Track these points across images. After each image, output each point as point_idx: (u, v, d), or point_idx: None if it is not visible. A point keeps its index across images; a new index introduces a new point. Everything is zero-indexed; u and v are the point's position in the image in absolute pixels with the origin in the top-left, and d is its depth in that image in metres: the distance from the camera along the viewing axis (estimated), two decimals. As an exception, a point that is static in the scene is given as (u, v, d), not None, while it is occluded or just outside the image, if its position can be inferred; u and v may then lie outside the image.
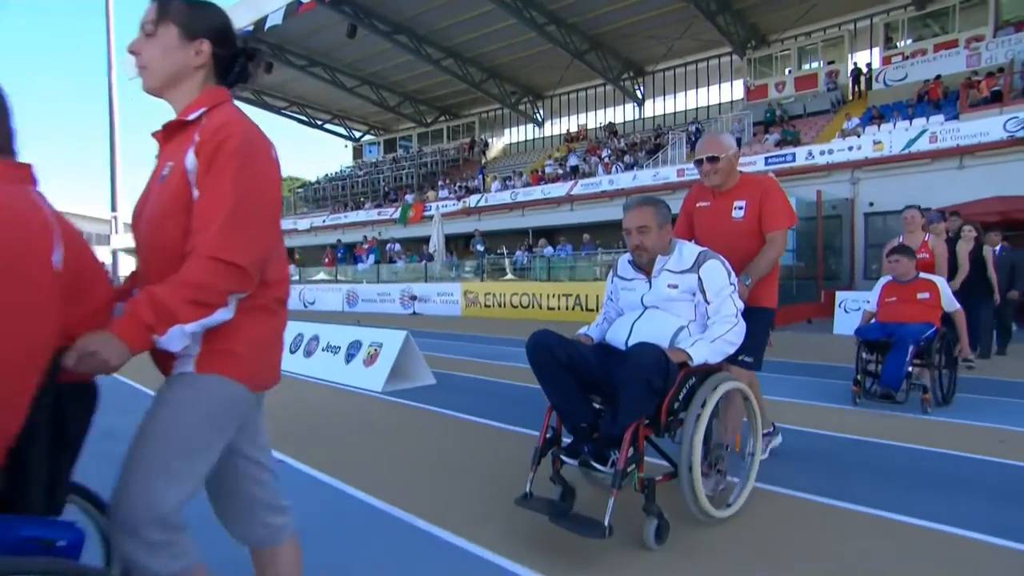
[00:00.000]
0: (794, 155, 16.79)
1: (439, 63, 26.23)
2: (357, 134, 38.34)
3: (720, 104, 25.26)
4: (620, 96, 28.36)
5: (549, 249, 16.59)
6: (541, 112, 31.82)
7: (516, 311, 14.61)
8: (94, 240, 53.35)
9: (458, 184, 26.74)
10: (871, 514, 2.61)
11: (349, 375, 5.89)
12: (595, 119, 30.03)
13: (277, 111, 34.25)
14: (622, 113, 29.31)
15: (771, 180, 3.01)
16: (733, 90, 25.21)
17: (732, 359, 2.72)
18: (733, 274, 2.53)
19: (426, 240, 22.11)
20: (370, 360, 5.80)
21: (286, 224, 30.22)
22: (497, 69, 28.05)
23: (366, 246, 20.70)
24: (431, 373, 5.89)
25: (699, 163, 2.97)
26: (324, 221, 28.12)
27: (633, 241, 2.53)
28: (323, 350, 6.42)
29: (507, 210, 21.82)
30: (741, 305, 2.51)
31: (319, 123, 36.27)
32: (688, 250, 2.54)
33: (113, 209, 33.62)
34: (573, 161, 23.31)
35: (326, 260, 22.35)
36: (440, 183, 28.01)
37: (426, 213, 23.75)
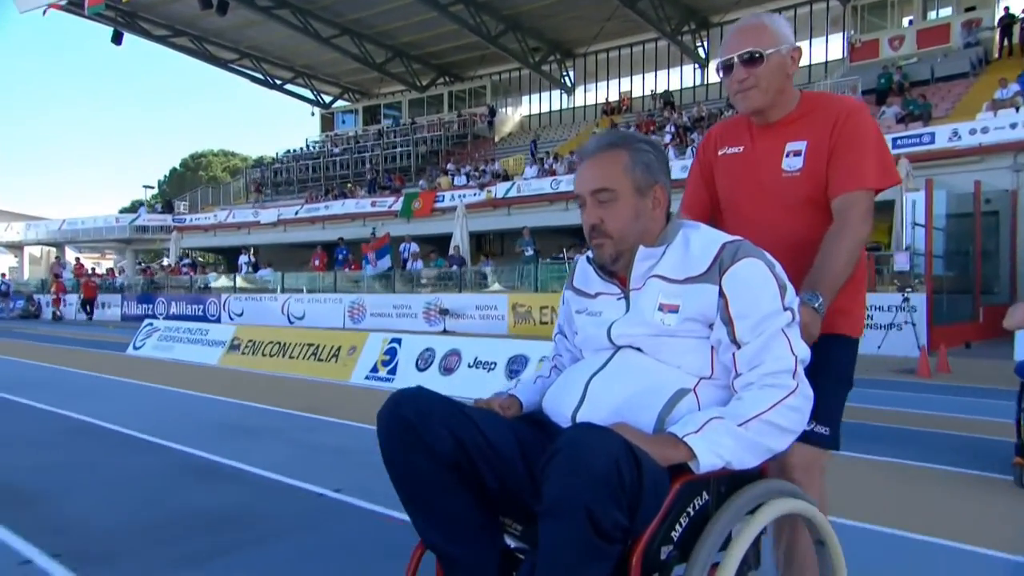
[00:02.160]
0: (932, 135, 16.26)
1: (446, 8, 25.49)
2: (327, 99, 37.36)
3: (811, 66, 24.79)
4: (676, 55, 27.84)
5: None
6: (571, 75, 31.17)
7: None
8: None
9: (472, 167, 25.94)
10: None
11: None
12: (642, 84, 29.49)
13: (223, 64, 33.19)
14: (678, 77, 28.78)
15: (854, 103, 2.05)
16: (829, 47, 24.79)
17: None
18: (790, 288, 1.66)
19: (436, 239, 21.32)
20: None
21: (243, 215, 29.20)
22: (519, 19, 27.34)
23: (374, 241, 19.84)
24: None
25: (726, 69, 2.00)
26: (297, 213, 27.12)
27: (587, 219, 1.69)
28: (469, 366, 6.92)
29: (547, 202, 21.05)
30: (806, 351, 1.64)
31: (278, 82, 35.26)
32: (700, 239, 1.68)
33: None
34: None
35: (316, 263, 21.41)
36: (448, 166, 27.18)
37: (437, 204, 22.94)
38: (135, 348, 10.71)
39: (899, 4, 21.76)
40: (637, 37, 28.29)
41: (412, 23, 28.11)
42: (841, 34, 23.15)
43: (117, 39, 27.95)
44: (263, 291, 21.07)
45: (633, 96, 29.24)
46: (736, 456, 1.51)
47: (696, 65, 27.78)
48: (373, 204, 25.30)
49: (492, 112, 31.38)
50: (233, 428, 5.32)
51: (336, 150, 32.94)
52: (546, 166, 22.79)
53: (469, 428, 1.57)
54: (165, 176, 55.77)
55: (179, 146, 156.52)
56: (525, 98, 32.71)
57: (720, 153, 2.17)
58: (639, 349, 1.66)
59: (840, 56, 23.43)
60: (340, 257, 21.24)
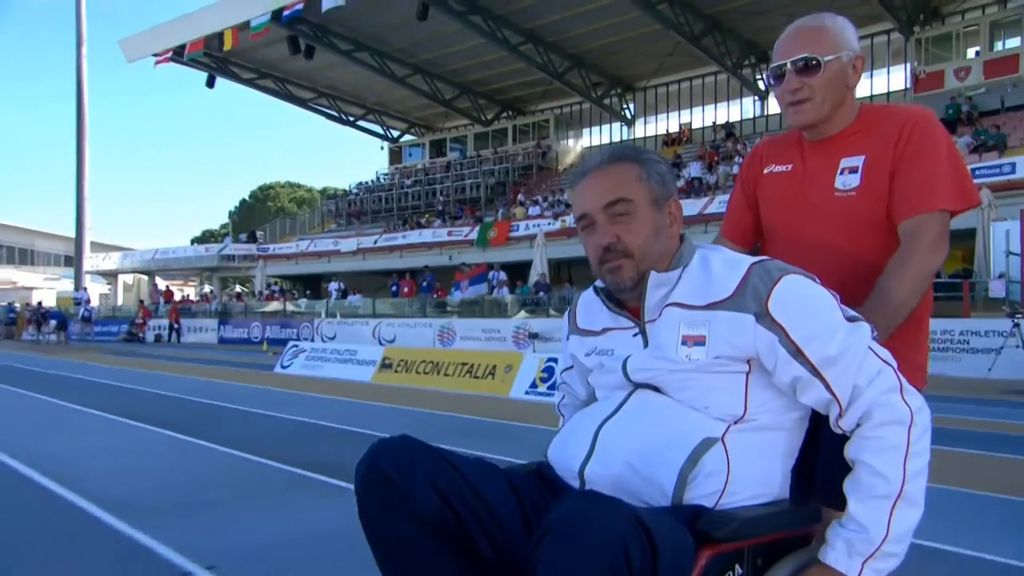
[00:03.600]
0: (1013, 165, 16.37)
1: (516, 48, 26.36)
2: (395, 133, 38.59)
3: (872, 96, 25.00)
4: (736, 88, 28.30)
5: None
6: (632, 108, 31.81)
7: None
8: (62, 261, 54.09)
9: (543, 197, 26.63)
10: None
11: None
12: (701, 116, 29.96)
13: (303, 104, 34.59)
14: (738, 109, 29.22)
15: (922, 111, 1.72)
16: (891, 79, 25.00)
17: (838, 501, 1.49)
18: (834, 292, 1.39)
19: (510, 267, 21.93)
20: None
21: (324, 244, 30.26)
22: (583, 56, 28.12)
23: (467, 271, 20.56)
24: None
25: (777, 79, 1.71)
26: (376, 242, 28.06)
27: (599, 239, 1.40)
28: None
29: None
30: (891, 359, 1.34)
31: (350, 119, 36.56)
32: (722, 259, 1.42)
33: (79, 228, 33.87)
34: (695, 171, 23.12)
35: (404, 290, 22.20)
36: (520, 196, 27.92)
37: (513, 233, 23.61)
38: (283, 367, 11.47)
39: (964, 36, 21.91)
40: (697, 71, 28.79)
41: (480, 62, 29.06)
42: (903, 66, 23.35)
43: (211, 83, 29.49)
44: (353, 316, 21.88)
45: (693, 128, 29.72)
46: (900, 544, 1.27)
47: (756, 97, 28.19)
48: (449, 233, 26.08)
49: (546, 149, 32.13)
50: (472, 435, 5.89)
51: (407, 182, 33.97)
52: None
53: (458, 484, 1.31)
54: (235, 207, 57.69)
55: (247, 178, 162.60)
56: (586, 130, 33.41)
57: (766, 171, 1.88)
58: (657, 388, 1.40)
59: (901, 86, 23.62)
60: (426, 284, 21.99)
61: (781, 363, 1.31)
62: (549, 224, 23.09)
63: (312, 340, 20.82)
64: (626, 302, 1.45)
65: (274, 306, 25.03)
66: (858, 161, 1.70)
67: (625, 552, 1.04)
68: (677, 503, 1.29)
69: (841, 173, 1.72)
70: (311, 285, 31.27)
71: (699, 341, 1.34)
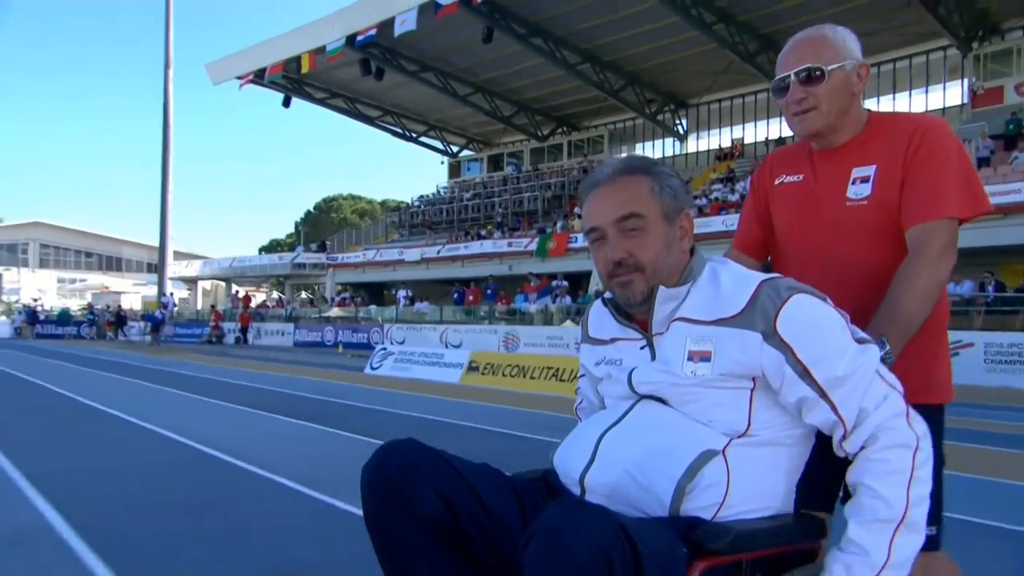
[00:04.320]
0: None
1: (574, 67, 26.95)
2: (454, 148, 39.54)
3: (928, 112, 24.83)
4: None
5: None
6: (684, 123, 32.08)
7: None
8: (146, 268, 56.66)
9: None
10: None
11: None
12: (754, 132, 30.07)
13: (370, 121, 35.79)
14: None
15: (931, 119, 1.69)
16: (947, 95, 24.79)
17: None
18: (843, 311, 1.36)
19: (568, 277, 22.42)
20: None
21: (390, 254, 31.26)
22: (638, 74, 28.55)
23: (535, 284, 21.19)
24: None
25: (782, 91, 1.68)
26: (439, 252, 28.92)
27: (610, 254, 1.37)
28: None
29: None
30: (898, 384, 1.32)
31: (413, 135, 37.63)
32: (732, 275, 1.39)
33: (163, 238, 35.43)
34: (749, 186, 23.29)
35: (470, 298, 22.93)
36: (577, 209, 28.45)
37: (571, 244, 24.13)
38: (372, 368, 12.23)
39: (1024, 51, 21.68)
40: (749, 88, 28.94)
41: (538, 80, 29.71)
42: (960, 82, 23.16)
43: (287, 102, 30.85)
44: (420, 322, 22.69)
45: (745, 143, 29.83)
46: (901, 570, 1.24)
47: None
48: (509, 244, 26.72)
49: (588, 168, 32.57)
50: (550, 429, 6.48)
51: (467, 195, 34.83)
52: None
53: (460, 488, 1.31)
54: (301, 218, 59.55)
55: (312, 190, 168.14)
56: (639, 145, 33.74)
57: (777, 182, 1.84)
58: (662, 401, 1.37)
59: (958, 102, 23.41)
60: (490, 292, 22.65)
61: (787, 383, 1.28)
62: (607, 236, 23.54)
63: (383, 344, 21.72)
64: (635, 315, 1.42)
65: (344, 312, 26.04)
66: (869, 171, 1.65)
67: (607, 559, 1.03)
68: (674, 514, 1.26)
69: (853, 183, 1.67)
70: (374, 292, 32.31)
71: (705, 357, 1.31)
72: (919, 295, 1.53)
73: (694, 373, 1.31)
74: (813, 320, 1.28)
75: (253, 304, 33.26)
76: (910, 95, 25.83)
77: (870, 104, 24.71)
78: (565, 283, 20.74)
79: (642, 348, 1.41)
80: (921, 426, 1.28)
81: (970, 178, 1.62)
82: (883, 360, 1.36)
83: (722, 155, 29.54)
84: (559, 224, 26.78)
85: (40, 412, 7.67)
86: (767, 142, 28.53)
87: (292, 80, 30.30)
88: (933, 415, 1.53)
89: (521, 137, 36.02)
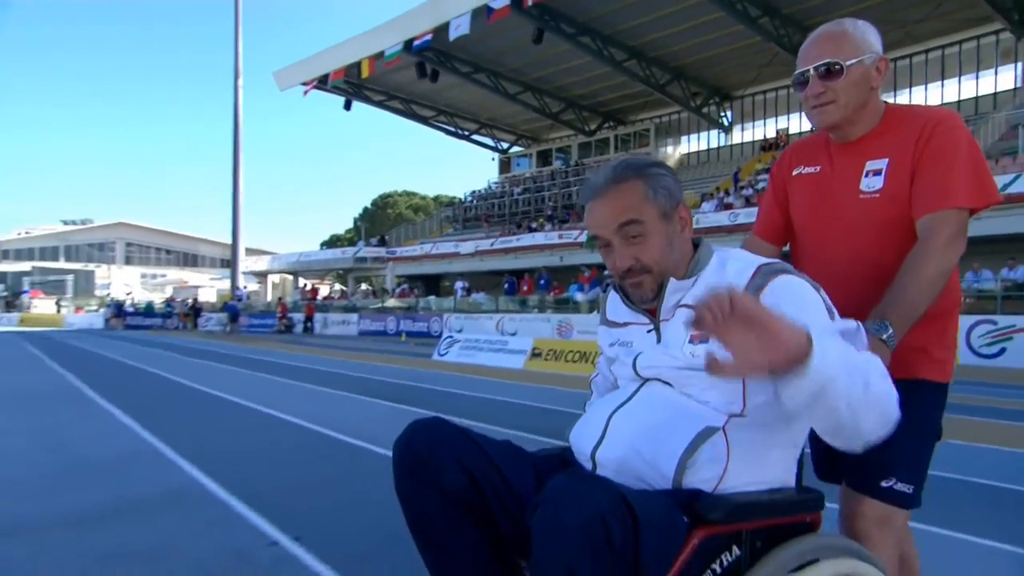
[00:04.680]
0: None
1: (620, 64, 26.92)
2: (504, 145, 39.84)
3: (978, 98, 24.08)
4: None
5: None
6: (729, 115, 31.72)
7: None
8: (219, 263, 58.73)
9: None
10: None
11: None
12: (799, 122, 29.54)
13: (425, 121, 36.34)
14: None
15: (943, 113, 1.66)
16: (999, 79, 23.95)
17: (869, 486, 1.60)
18: (831, 305, 1.35)
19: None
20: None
21: (445, 247, 31.81)
22: (683, 69, 28.34)
23: (588, 275, 21.43)
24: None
25: (802, 84, 1.68)
26: (492, 245, 29.31)
27: (619, 261, 1.40)
28: None
29: (725, 233, 21.83)
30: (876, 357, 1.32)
31: (465, 133, 38.06)
32: (736, 262, 1.41)
33: (235, 236, 36.57)
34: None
35: (524, 288, 23.26)
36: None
37: (620, 235, 24.21)
38: (440, 355, 12.67)
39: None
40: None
41: (585, 77, 29.76)
42: (1013, 66, 22.36)
43: (347, 105, 31.59)
44: (476, 311, 23.12)
45: (790, 132, 29.36)
46: (840, 374, 1.12)
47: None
48: (560, 236, 26.92)
49: (646, 157, 32.41)
50: None
51: (517, 189, 35.13)
52: (722, 201, 23.57)
53: (483, 464, 1.35)
54: (360, 214, 60.73)
55: (369, 187, 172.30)
56: (684, 138, 33.52)
57: (795, 173, 1.83)
58: (667, 383, 1.40)
59: (1011, 87, 22.62)
60: (543, 282, 22.93)
61: None
62: (654, 227, 23.58)
63: (449, 333, 22.24)
64: (645, 303, 1.43)
65: (404, 302, 26.67)
66: (882, 164, 1.64)
67: (605, 526, 1.07)
68: (677, 486, 1.29)
69: (866, 176, 1.66)
70: (430, 284, 32.92)
71: (704, 339, 1.31)
72: (924, 283, 1.53)
73: (692, 355, 1.33)
74: (793, 296, 1.30)
75: (320, 296, 34.30)
76: (959, 81, 25.04)
77: (918, 93, 24.15)
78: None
79: (648, 332, 1.44)
80: (880, 372, 1.21)
81: (979, 169, 1.60)
82: (885, 343, 1.45)
83: (767, 145, 29.14)
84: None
85: (159, 395, 8.28)
86: (813, 132, 28.03)
87: (353, 84, 30.99)
88: (935, 391, 1.65)
89: (568, 132, 36.10)
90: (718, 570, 1.24)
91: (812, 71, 1.63)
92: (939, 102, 25.18)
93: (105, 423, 6.11)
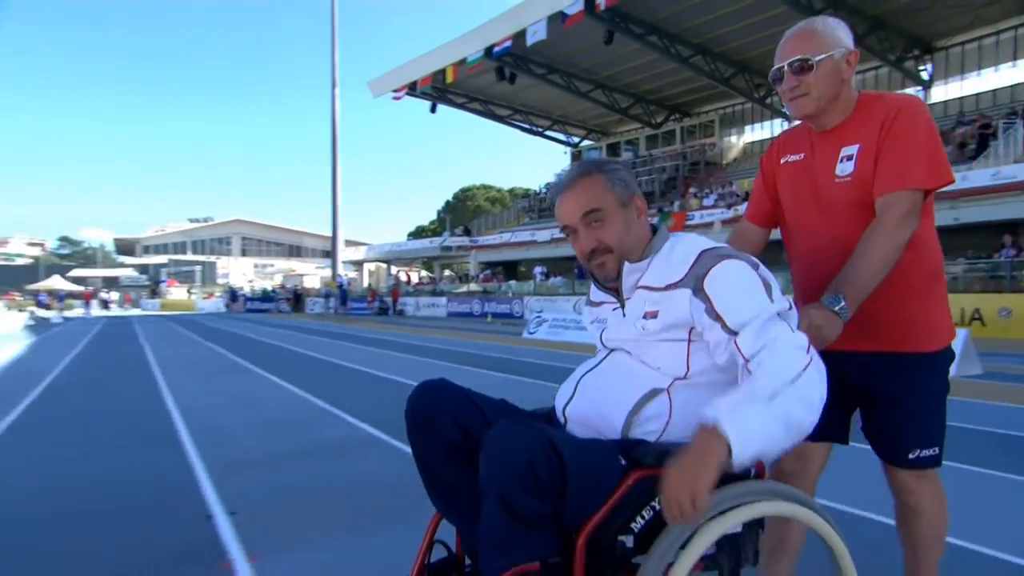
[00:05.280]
0: None
1: (686, 60, 26.69)
2: (575, 139, 40.04)
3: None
4: (898, 80, 26.68)
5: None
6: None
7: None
8: (320, 254, 61.58)
9: (708, 189, 26.92)
10: None
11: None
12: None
13: (502, 120, 36.96)
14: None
15: (906, 99, 1.67)
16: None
17: (900, 460, 1.68)
18: (774, 284, 1.43)
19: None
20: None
21: (523, 236, 32.49)
22: (747, 62, 27.83)
23: None
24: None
25: (779, 79, 1.72)
26: (567, 232, 29.70)
27: (584, 245, 1.51)
28: None
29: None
30: (801, 338, 1.35)
31: (539, 130, 38.48)
32: (684, 247, 1.49)
33: (334, 230, 38.18)
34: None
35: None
36: (693, 190, 28.37)
37: (688, 223, 24.23)
38: (530, 333, 13.32)
39: None
40: (862, 66, 27.48)
41: (653, 73, 29.62)
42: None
43: (433, 109, 32.58)
44: (554, 294, 23.70)
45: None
46: (767, 437, 1.22)
47: (921, 88, 26.42)
48: (630, 224, 27.09)
49: (712, 146, 31.96)
50: None
51: (589, 181, 35.35)
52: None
53: (476, 418, 1.51)
54: (443, 206, 62.23)
55: (450, 181, 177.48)
56: (748, 128, 32.87)
57: (782, 161, 1.86)
58: (627, 352, 1.52)
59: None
60: (616, 267, 23.25)
61: (707, 328, 1.39)
62: (723, 213, 23.48)
63: (539, 313, 22.94)
64: (611, 286, 1.56)
65: (488, 286, 27.54)
66: (853, 150, 1.67)
67: (531, 465, 1.21)
68: (625, 437, 1.43)
69: (841, 161, 1.69)
70: (509, 269, 33.69)
71: (653, 315, 1.45)
72: (876, 259, 1.55)
73: (644, 328, 1.46)
74: (730, 280, 1.39)
75: (412, 282, 35.73)
76: (1029, 63, 23.60)
77: (989, 75, 22.66)
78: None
79: (615, 310, 1.57)
80: (819, 361, 1.32)
81: (935, 153, 1.61)
82: (838, 314, 1.50)
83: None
84: (676, 204, 26.85)
85: (303, 366, 9.25)
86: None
87: (438, 89, 31.92)
88: (935, 360, 1.67)
89: (636, 126, 35.96)
90: (658, 507, 1.31)
91: (786, 67, 1.69)
92: (1011, 83, 23.86)
93: (271, 386, 7.08)
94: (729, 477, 1.30)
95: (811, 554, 1.79)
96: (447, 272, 38.76)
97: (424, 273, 42.22)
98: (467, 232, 37.48)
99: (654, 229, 1.56)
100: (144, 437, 4.66)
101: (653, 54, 26.20)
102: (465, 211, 55.84)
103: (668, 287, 1.44)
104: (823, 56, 1.63)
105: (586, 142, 39.94)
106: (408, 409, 1.54)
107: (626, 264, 1.50)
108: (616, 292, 1.56)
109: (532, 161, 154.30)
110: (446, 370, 8.37)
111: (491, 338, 13.73)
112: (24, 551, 2.64)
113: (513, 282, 27.94)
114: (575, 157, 39.99)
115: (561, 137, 39.75)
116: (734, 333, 1.34)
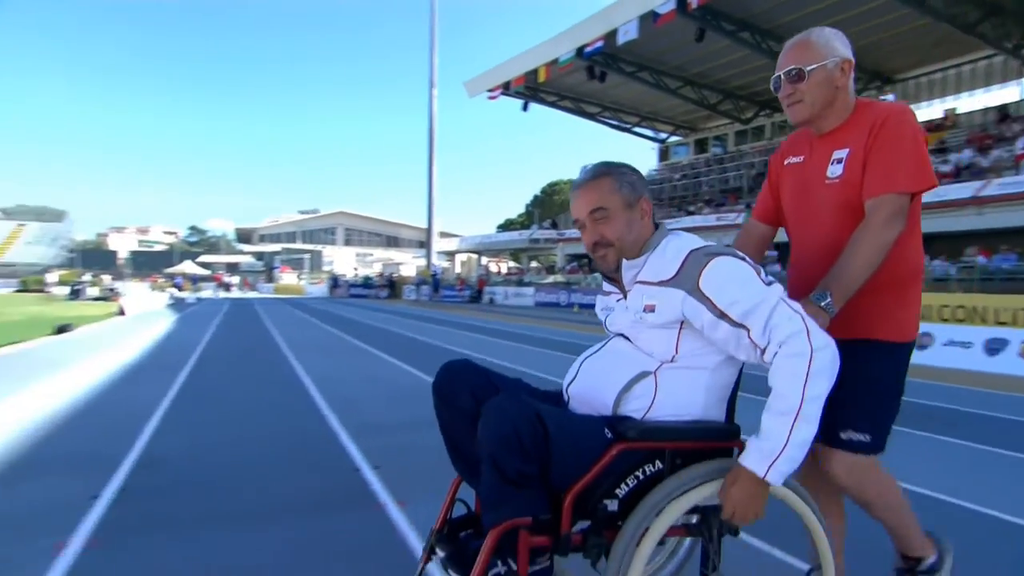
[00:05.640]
0: None
1: (778, 55, 25.66)
2: (663, 135, 39.33)
3: None
4: (1014, 69, 24.56)
5: (981, 259, 15.29)
6: (892, 98, 29.02)
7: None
8: (415, 244, 63.68)
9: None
10: None
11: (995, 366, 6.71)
12: (967, 103, 26.47)
13: (591, 117, 36.83)
14: (1013, 94, 25.32)
15: (896, 107, 1.68)
16: None
17: (829, 437, 1.69)
18: (761, 272, 1.51)
19: (777, 247, 21.79)
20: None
21: (609, 230, 32.33)
22: (843, 55, 26.48)
23: None
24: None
25: (776, 87, 1.79)
26: (651, 227, 29.34)
27: (589, 237, 1.62)
28: (943, 345, 7.73)
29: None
30: (800, 309, 1.46)
31: (627, 126, 38.05)
32: (676, 246, 1.57)
33: (430, 222, 39.15)
34: (966, 157, 20.86)
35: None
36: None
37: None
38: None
39: None
40: (965, 57, 25.53)
41: (743, 69, 28.61)
42: None
43: (525, 107, 32.94)
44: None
45: (956, 112, 26.39)
46: (799, 445, 1.40)
47: None
48: (718, 219, 26.48)
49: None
50: None
51: (676, 176, 34.72)
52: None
53: (490, 394, 1.58)
54: (531, 200, 62.66)
55: (538, 176, 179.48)
56: (843, 122, 31.22)
57: (786, 163, 1.90)
58: (626, 337, 1.63)
59: None
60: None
61: (708, 326, 1.48)
62: (811, 210, 22.51)
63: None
64: (615, 278, 1.68)
65: (574, 278, 27.70)
66: (843, 153, 1.69)
67: (517, 435, 1.35)
68: (615, 413, 1.55)
69: (832, 164, 1.72)
70: (591, 261, 33.56)
71: (652, 309, 1.55)
72: (862, 258, 1.59)
73: (642, 319, 1.56)
74: (728, 275, 1.47)
75: (502, 272, 36.43)
76: None
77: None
78: (775, 252, 20.37)
79: (618, 300, 1.68)
80: (819, 339, 1.41)
81: (920, 158, 1.64)
82: (824, 309, 1.57)
83: (932, 127, 26.39)
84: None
85: (411, 347, 9.76)
86: (985, 111, 25.05)
87: (530, 88, 32.22)
88: (892, 350, 1.71)
89: (725, 121, 34.88)
90: (641, 477, 1.47)
91: (783, 76, 1.76)
92: None
93: (390, 365, 7.63)
94: (708, 453, 1.51)
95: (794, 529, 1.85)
96: (533, 263, 39.15)
97: (512, 264, 42.80)
98: (554, 225, 37.67)
99: (658, 227, 1.65)
100: (288, 404, 5.26)
101: (744, 50, 25.36)
102: (552, 205, 55.97)
103: (661, 283, 1.53)
104: (815, 66, 1.69)
105: (674, 138, 39.15)
106: (435, 383, 1.67)
107: (624, 261, 1.60)
108: (619, 284, 1.66)
109: (620, 156, 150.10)
110: (541, 356, 8.69)
111: (578, 327, 13.95)
112: (224, 491, 3.18)
113: (597, 274, 27.89)
114: (662, 153, 39.31)
115: (649, 133, 39.14)
116: (742, 326, 1.43)
